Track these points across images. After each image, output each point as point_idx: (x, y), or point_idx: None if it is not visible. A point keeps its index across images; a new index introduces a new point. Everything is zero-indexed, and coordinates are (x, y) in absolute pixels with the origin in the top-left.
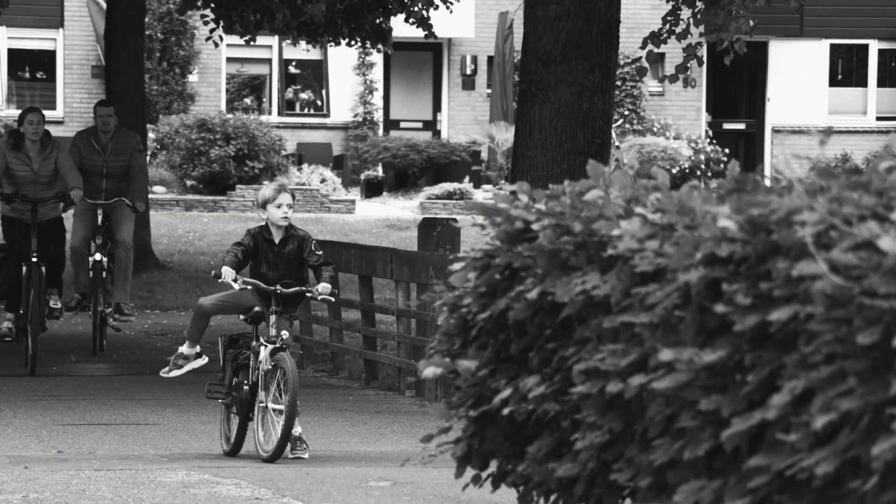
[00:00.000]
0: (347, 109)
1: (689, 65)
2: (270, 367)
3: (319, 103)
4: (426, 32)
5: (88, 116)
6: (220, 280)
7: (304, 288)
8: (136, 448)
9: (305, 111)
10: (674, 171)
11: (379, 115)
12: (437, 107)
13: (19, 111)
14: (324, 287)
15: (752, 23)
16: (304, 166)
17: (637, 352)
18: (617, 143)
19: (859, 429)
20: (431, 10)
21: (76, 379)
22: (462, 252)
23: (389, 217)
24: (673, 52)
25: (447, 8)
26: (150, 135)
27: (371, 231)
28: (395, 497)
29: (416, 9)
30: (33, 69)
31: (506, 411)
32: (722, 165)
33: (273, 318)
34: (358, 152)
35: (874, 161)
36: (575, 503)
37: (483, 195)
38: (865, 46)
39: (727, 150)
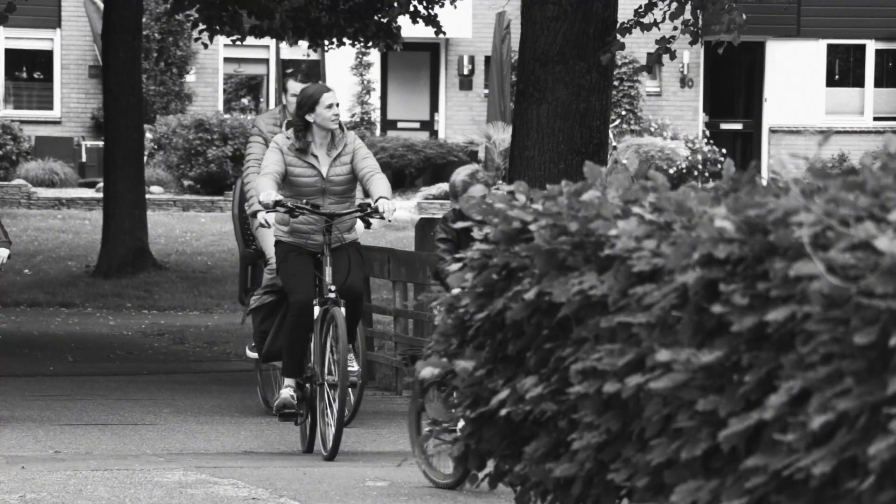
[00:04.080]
0: (345, 109)
1: (661, 56)
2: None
3: None
4: (435, 30)
5: (86, 116)
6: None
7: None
8: (133, 448)
9: None
10: (671, 171)
11: (376, 116)
12: (434, 107)
13: (17, 111)
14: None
15: (744, 16)
16: None
17: (634, 352)
18: (614, 144)
19: (856, 429)
20: (437, 7)
21: (73, 379)
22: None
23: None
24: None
25: (451, 3)
26: (148, 135)
27: (368, 231)
28: (392, 497)
29: (421, 8)
30: (31, 69)
31: (503, 412)
32: (719, 166)
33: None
34: None
35: (865, 160)
36: (572, 503)
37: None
38: (862, 46)
39: (724, 151)
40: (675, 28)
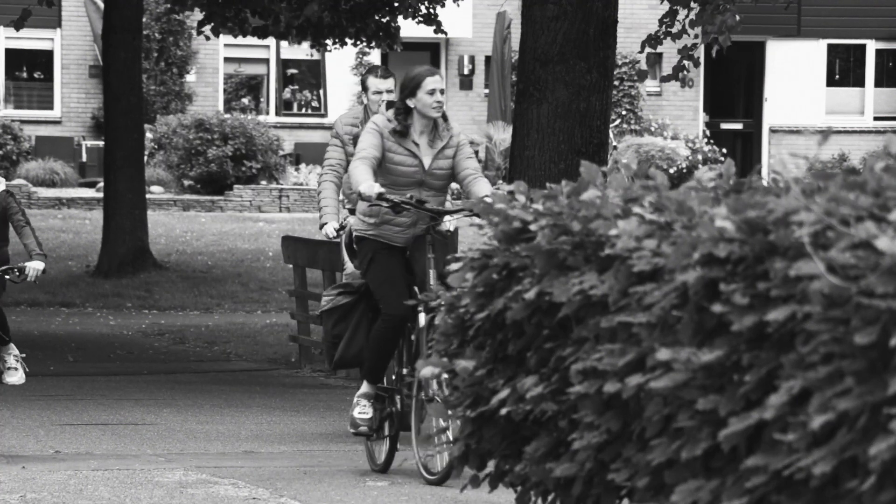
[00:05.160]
0: (345, 109)
1: (685, 65)
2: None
3: (317, 103)
4: (435, 29)
5: (87, 116)
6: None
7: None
8: (133, 448)
9: (303, 111)
10: (671, 171)
11: None
12: None
13: (17, 111)
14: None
15: (737, 17)
16: (302, 166)
17: (635, 351)
18: (614, 144)
19: (857, 429)
20: (438, 6)
21: (74, 379)
22: (460, 252)
23: None
24: (671, 52)
25: (454, 1)
26: (148, 135)
27: None
28: (392, 497)
29: (422, 7)
30: (31, 69)
31: (503, 411)
32: (719, 165)
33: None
34: None
35: (870, 161)
36: (573, 503)
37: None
38: (863, 46)
39: (725, 150)
40: (695, 36)
